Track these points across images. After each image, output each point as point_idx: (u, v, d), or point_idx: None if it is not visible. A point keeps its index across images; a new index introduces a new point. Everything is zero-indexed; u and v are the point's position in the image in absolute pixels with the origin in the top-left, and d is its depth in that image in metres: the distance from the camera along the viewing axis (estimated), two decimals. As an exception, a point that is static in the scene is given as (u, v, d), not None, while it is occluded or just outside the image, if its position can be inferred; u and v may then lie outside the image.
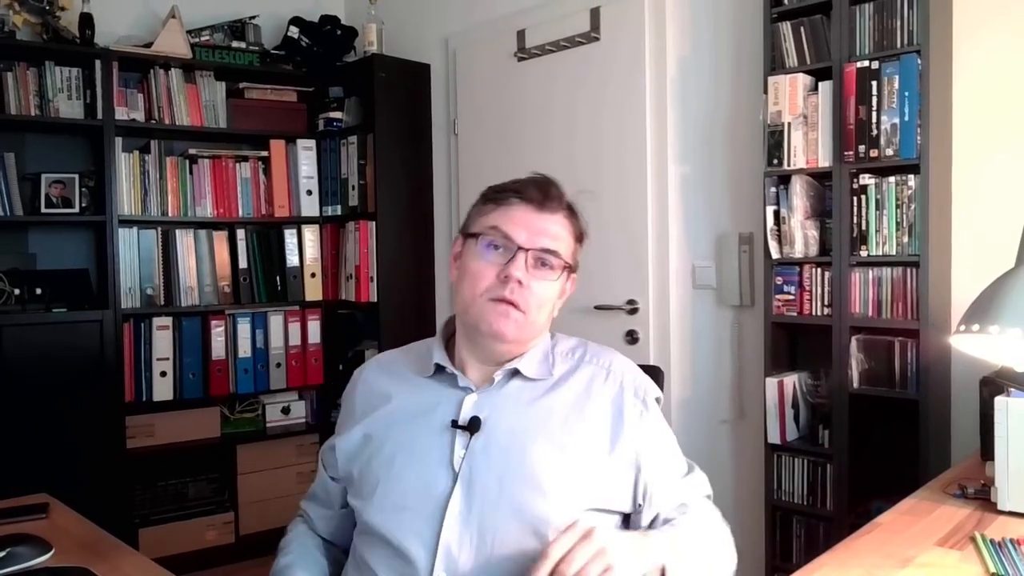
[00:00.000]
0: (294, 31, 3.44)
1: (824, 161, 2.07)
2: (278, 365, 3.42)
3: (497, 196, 1.15)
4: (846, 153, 2.02)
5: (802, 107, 2.10)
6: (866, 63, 1.98)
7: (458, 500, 1.06)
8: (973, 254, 2.05)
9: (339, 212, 3.45)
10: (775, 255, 2.16)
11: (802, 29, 2.11)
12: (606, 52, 2.76)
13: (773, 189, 2.16)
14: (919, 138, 1.91)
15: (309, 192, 3.49)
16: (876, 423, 2.10)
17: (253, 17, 3.44)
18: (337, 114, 3.46)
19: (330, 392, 3.50)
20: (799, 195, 2.11)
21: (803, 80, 2.10)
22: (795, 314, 2.15)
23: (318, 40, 3.46)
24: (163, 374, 3.16)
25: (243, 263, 3.36)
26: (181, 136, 3.34)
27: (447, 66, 3.36)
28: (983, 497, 1.42)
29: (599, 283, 2.77)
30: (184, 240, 3.23)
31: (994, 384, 1.57)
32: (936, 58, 1.96)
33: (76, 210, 3.02)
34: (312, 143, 3.49)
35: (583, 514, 1.06)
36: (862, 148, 1.99)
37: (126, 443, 3.06)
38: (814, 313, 2.11)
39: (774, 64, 2.16)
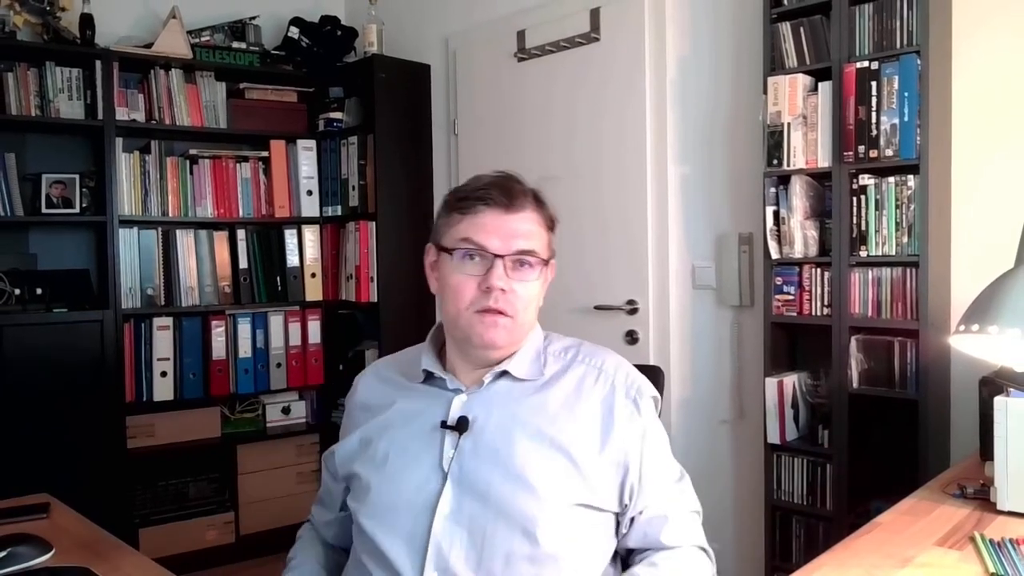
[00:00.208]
0: (294, 31, 3.44)
1: (824, 161, 2.07)
2: (278, 365, 3.42)
3: (462, 205, 1.13)
4: (846, 153, 2.02)
5: (802, 107, 2.10)
6: (866, 63, 1.98)
7: (448, 499, 1.07)
8: (973, 254, 2.05)
9: (339, 212, 3.45)
10: (775, 255, 2.16)
11: (802, 29, 2.11)
12: (606, 52, 2.76)
13: (773, 189, 2.16)
14: (918, 138, 1.92)
15: (309, 192, 3.49)
16: (876, 423, 2.10)
17: (253, 17, 3.44)
18: (337, 114, 3.46)
19: (330, 392, 3.50)
20: (799, 195, 2.11)
21: (803, 80, 2.10)
22: (795, 314, 2.15)
23: (318, 40, 3.46)
24: (163, 374, 3.16)
25: (243, 263, 3.36)
26: (181, 136, 3.34)
27: (447, 66, 3.36)
28: (982, 497, 1.43)
29: (599, 283, 2.77)
30: (184, 240, 3.23)
31: (993, 384, 1.57)
32: (935, 58, 1.96)
33: (77, 210, 3.02)
34: (312, 143, 3.49)
35: (572, 512, 1.07)
36: (862, 148, 1.99)
37: (126, 443, 3.06)
38: (814, 313, 2.12)
39: (774, 64, 2.16)
